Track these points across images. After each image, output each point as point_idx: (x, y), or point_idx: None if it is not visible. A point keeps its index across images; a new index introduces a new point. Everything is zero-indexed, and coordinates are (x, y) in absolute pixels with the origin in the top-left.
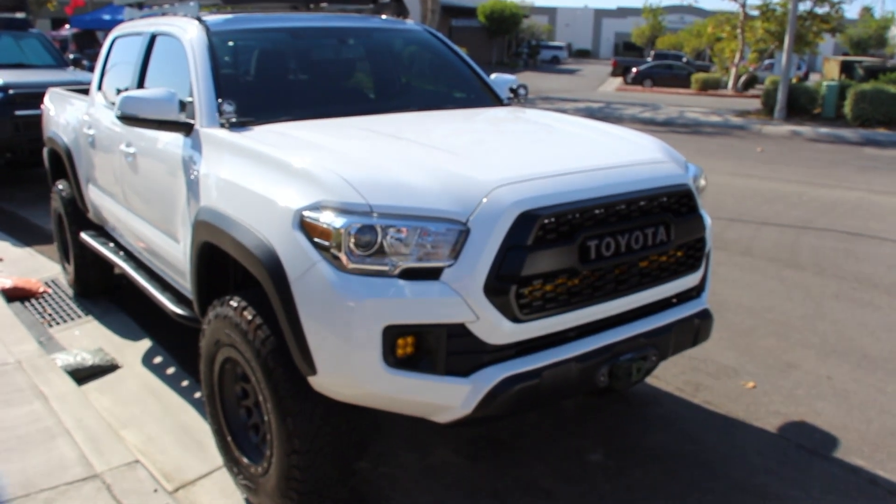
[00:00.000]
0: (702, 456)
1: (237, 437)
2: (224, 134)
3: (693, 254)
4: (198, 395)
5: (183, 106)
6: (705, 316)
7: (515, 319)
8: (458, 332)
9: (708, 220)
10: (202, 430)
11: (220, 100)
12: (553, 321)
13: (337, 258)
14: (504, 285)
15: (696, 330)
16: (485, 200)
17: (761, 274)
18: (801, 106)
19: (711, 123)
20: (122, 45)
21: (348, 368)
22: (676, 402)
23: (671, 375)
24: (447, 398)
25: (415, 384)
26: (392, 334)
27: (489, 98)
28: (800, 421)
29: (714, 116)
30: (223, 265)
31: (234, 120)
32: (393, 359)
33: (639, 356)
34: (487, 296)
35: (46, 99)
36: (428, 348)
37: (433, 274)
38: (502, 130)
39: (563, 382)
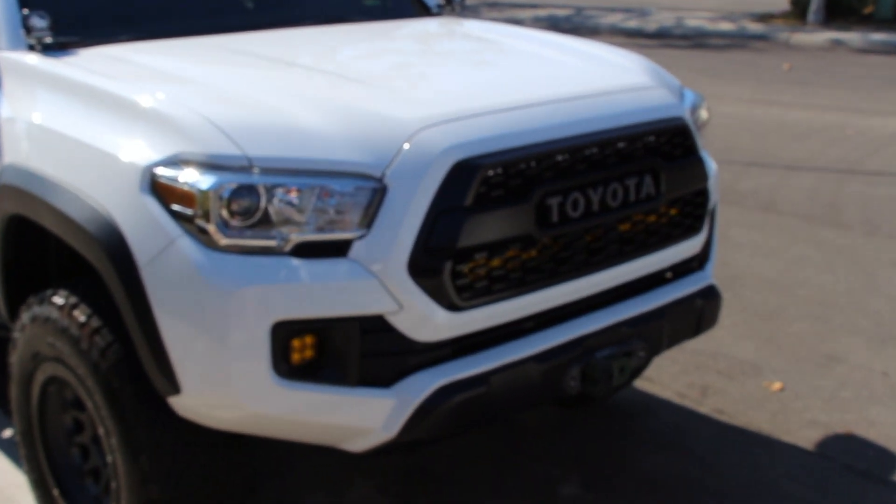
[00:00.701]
0: (713, 484)
1: (67, 488)
2: (35, 60)
3: (692, 211)
4: (7, 433)
5: None
6: (711, 294)
7: (453, 307)
8: (376, 328)
9: (712, 166)
10: (14, 482)
11: (25, 10)
12: (503, 308)
13: (204, 232)
14: (436, 261)
15: (698, 314)
16: (406, 147)
17: (790, 236)
18: (845, 5)
19: (721, 33)
20: None
21: (225, 383)
22: (677, 412)
23: (669, 377)
24: (363, 418)
25: (317, 400)
26: (285, 334)
27: (412, 6)
28: (846, 434)
29: (724, 23)
30: (40, 247)
31: (48, 40)
32: (287, 367)
33: (621, 351)
34: (413, 276)
35: None
36: (334, 351)
37: (339, 249)
38: (430, 51)
39: (520, 390)
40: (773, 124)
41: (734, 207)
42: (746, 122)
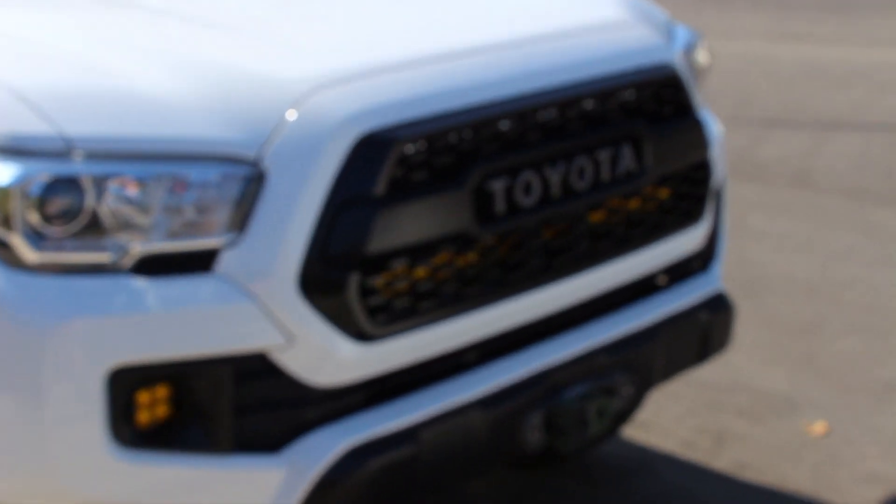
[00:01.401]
0: None
1: None
2: None
3: (689, 192)
4: None
5: None
6: (720, 305)
7: (363, 336)
8: (256, 370)
9: (716, 129)
10: None
11: None
12: (434, 335)
13: (4, 245)
14: (337, 273)
15: (703, 332)
16: (291, 116)
17: (830, 220)
18: None
19: None
20: None
21: (39, 460)
22: (683, 469)
23: (671, 420)
24: (243, 498)
25: (176, 477)
26: (127, 384)
27: None
28: None
29: None
30: None
31: None
32: (131, 432)
33: (599, 389)
34: (307, 296)
35: None
36: (198, 406)
37: (201, 262)
38: None
39: (463, 448)
40: (804, 68)
41: (753, 184)
42: (767, 66)
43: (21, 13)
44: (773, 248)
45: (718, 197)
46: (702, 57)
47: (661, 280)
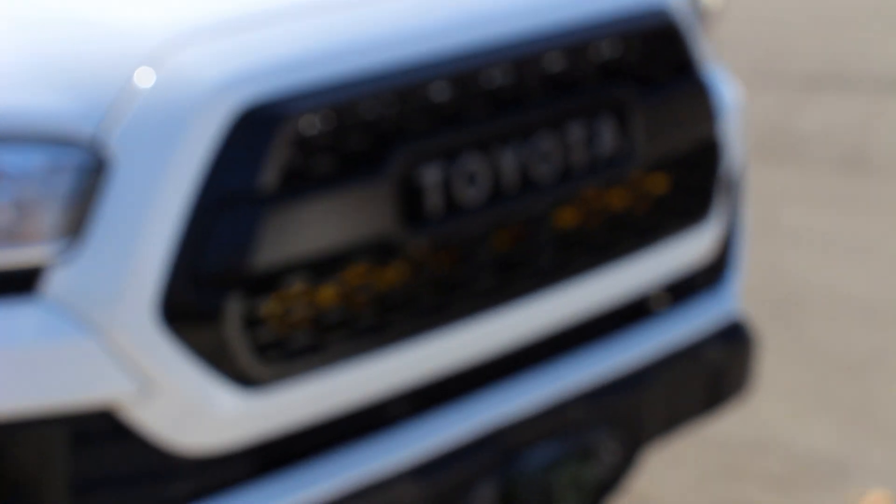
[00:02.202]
0: None
1: None
2: None
3: (691, 182)
4: None
5: None
6: (734, 335)
7: (248, 382)
8: (101, 432)
9: (731, 95)
10: None
11: None
12: (346, 379)
13: None
14: (212, 297)
15: (712, 371)
16: (145, 81)
17: (894, 215)
18: None
19: None
20: None
21: None
22: None
23: (675, 491)
24: None
25: None
26: None
27: None
28: None
29: None
30: None
31: None
32: None
33: (571, 451)
34: (170, 327)
35: None
36: (20, 485)
37: (19, 283)
38: None
39: None
40: (858, 7)
41: (789, 167)
42: (808, 6)
43: None
44: (816, 254)
45: (734, 188)
46: None
47: (656, 303)
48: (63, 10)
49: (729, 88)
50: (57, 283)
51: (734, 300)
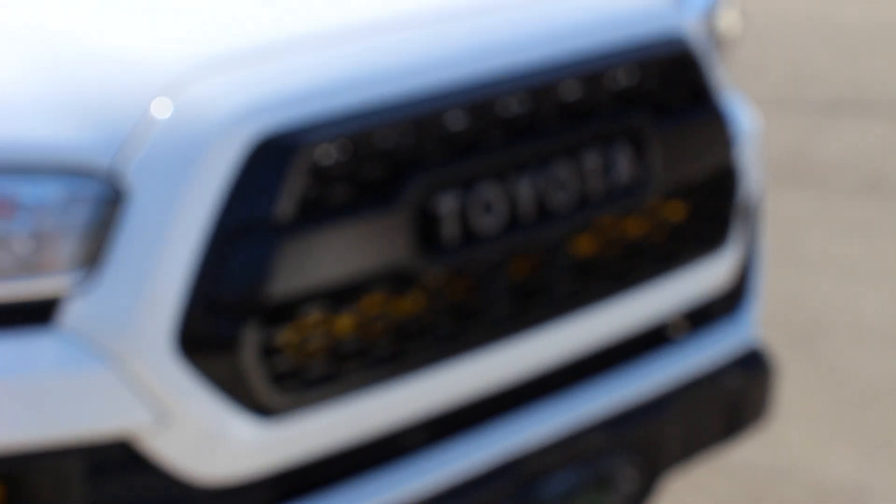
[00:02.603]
0: None
1: None
2: None
3: (709, 209)
4: None
5: None
6: (753, 362)
7: (265, 412)
8: (118, 463)
9: (747, 121)
10: None
11: None
12: (362, 409)
13: None
14: (228, 326)
15: (731, 399)
16: (162, 112)
17: None
18: None
19: None
20: None
21: None
22: None
23: None
24: None
25: None
26: None
27: None
28: None
29: None
30: None
31: None
32: None
33: (589, 479)
34: (187, 357)
35: None
36: None
37: (36, 313)
38: None
39: None
40: (880, 31)
41: (810, 192)
42: (829, 30)
43: None
44: (838, 280)
45: (752, 214)
46: (727, 22)
47: (674, 330)
48: (80, 42)
49: (746, 115)
50: (74, 314)
51: (753, 327)
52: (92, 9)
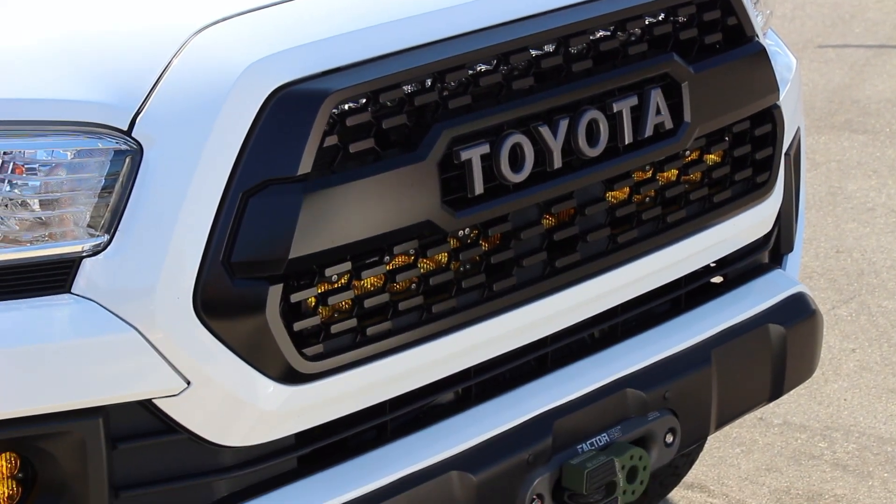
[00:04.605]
0: None
1: None
2: None
3: (749, 155)
4: None
5: None
6: (799, 312)
7: (290, 376)
8: (140, 429)
9: (788, 61)
10: None
11: None
12: (390, 370)
13: None
14: (251, 288)
15: (777, 352)
16: (177, 62)
17: None
18: None
19: None
20: None
21: None
22: None
23: (739, 479)
24: None
25: None
26: None
27: None
28: None
29: None
30: None
31: None
32: None
33: (626, 438)
34: (208, 320)
35: None
36: (57, 483)
37: (53, 277)
38: None
39: None
40: None
41: (855, 136)
42: None
43: None
44: (885, 228)
45: (794, 160)
46: None
47: (713, 281)
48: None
49: (785, 55)
50: (89, 277)
51: (796, 274)
52: None
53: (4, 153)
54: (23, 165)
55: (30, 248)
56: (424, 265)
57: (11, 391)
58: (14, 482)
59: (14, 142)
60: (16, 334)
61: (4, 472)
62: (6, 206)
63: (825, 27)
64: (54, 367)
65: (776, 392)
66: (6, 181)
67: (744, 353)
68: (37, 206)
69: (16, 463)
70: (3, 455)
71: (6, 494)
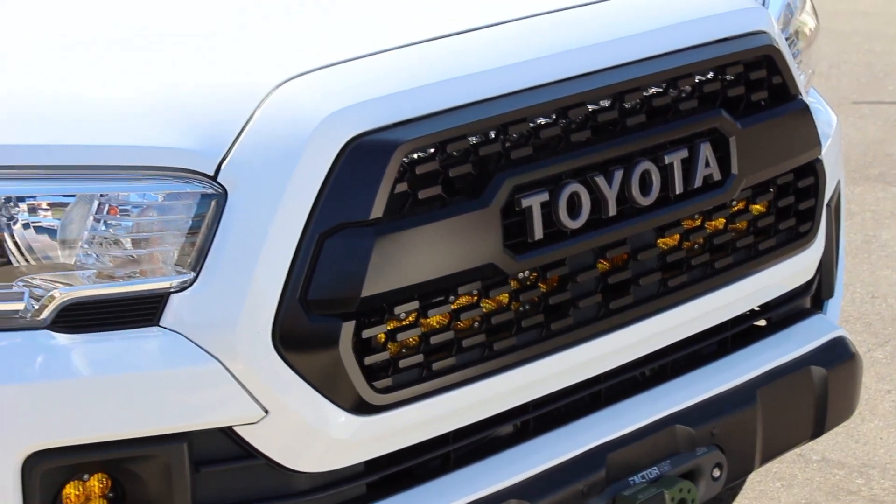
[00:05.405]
0: None
1: None
2: None
3: (793, 205)
4: None
5: None
6: (840, 355)
7: (361, 407)
8: (220, 455)
9: (829, 118)
10: None
11: None
12: (453, 403)
13: None
14: (325, 324)
15: (819, 392)
16: (260, 113)
17: None
18: None
19: None
20: None
21: None
22: None
23: None
24: None
25: None
26: (49, 475)
27: None
28: None
29: None
30: None
31: None
32: None
33: (676, 472)
34: (285, 353)
35: None
36: (141, 501)
37: (143, 312)
38: None
39: None
40: None
41: (889, 188)
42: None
43: None
44: None
45: (834, 210)
46: (806, 20)
47: (759, 325)
48: (186, 60)
49: (827, 112)
50: (176, 312)
51: (836, 319)
52: (197, 45)
53: (101, 195)
54: (117, 207)
55: (122, 283)
56: (487, 305)
57: (104, 416)
58: (105, 501)
59: (110, 185)
60: (109, 364)
61: (97, 491)
62: (101, 244)
63: (860, 84)
64: (143, 395)
65: (818, 430)
66: (102, 221)
67: (787, 393)
68: (129, 245)
69: (107, 483)
70: (96, 476)
71: None
